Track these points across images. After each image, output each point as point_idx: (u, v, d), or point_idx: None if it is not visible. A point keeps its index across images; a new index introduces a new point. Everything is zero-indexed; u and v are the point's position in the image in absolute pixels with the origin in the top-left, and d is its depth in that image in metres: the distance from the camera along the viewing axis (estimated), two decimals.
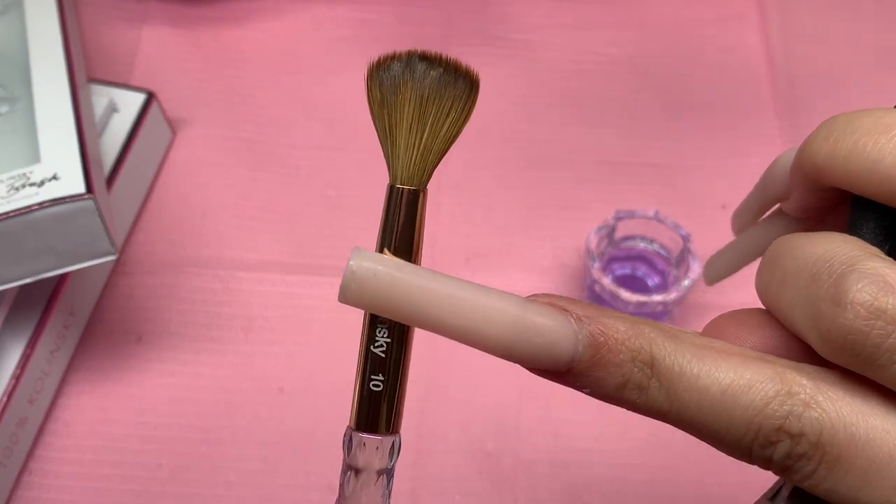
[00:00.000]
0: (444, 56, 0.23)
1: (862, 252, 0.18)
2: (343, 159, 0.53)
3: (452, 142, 0.23)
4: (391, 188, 0.23)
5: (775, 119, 0.55)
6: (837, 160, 0.20)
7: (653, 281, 0.47)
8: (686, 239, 0.45)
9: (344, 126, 0.55)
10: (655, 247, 0.47)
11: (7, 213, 0.38)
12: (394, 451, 0.23)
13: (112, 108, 0.50)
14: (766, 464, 0.19)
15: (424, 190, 0.23)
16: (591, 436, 0.44)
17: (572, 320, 0.20)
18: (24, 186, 0.39)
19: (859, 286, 0.18)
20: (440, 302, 0.20)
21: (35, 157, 0.41)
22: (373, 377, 0.22)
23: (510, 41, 0.59)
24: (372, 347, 0.22)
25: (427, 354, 0.46)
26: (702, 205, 0.52)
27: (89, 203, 0.38)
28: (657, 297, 0.43)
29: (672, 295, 0.43)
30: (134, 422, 0.44)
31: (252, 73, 0.57)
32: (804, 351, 0.20)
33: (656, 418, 0.20)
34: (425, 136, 0.23)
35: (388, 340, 0.22)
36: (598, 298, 0.45)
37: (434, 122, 0.23)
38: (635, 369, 0.19)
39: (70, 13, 0.50)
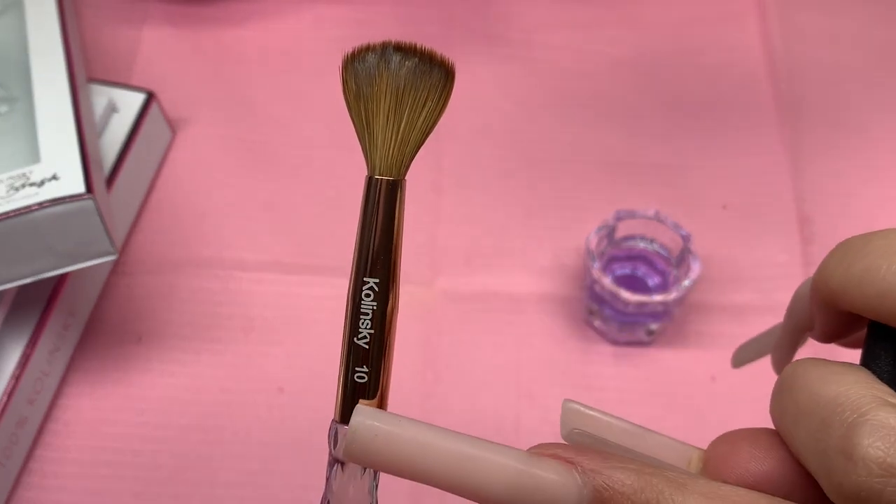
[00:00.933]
0: (418, 46, 0.23)
1: (873, 399, 0.18)
2: (343, 159, 0.53)
3: (429, 131, 0.23)
4: (370, 179, 0.23)
5: (775, 119, 0.55)
6: (852, 284, 0.20)
7: (653, 281, 0.47)
8: (686, 239, 0.45)
9: (344, 126, 0.54)
10: (656, 247, 0.47)
11: (7, 213, 0.38)
12: None
13: (112, 108, 0.50)
14: None
15: (403, 180, 0.23)
16: None
17: (577, 474, 0.20)
18: (23, 186, 0.39)
19: (870, 440, 0.17)
20: (441, 460, 0.20)
21: (35, 157, 0.41)
22: (357, 369, 0.23)
23: (510, 41, 0.59)
24: (355, 339, 0.23)
25: (427, 355, 0.46)
26: (702, 205, 0.52)
27: (89, 203, 0.38)
28: (657, 297, 0.43)
29: (672, 295, 0.43)
30: (134, 422, 0.44)
31: (252, 73, 0.57)
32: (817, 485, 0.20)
33: None
34: (402, 126, 0.23)
35: (372, 332, 0.22)
36: (598, 298, 0.45)
37: (411, 112, 0.23)
38: None
39: (70, 13, 0.50)
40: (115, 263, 0.49)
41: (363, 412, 0.20)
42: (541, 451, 0.21)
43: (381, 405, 0.23)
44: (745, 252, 0.50)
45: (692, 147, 0.54)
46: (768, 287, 0.49)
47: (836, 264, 0.20)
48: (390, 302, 0.23)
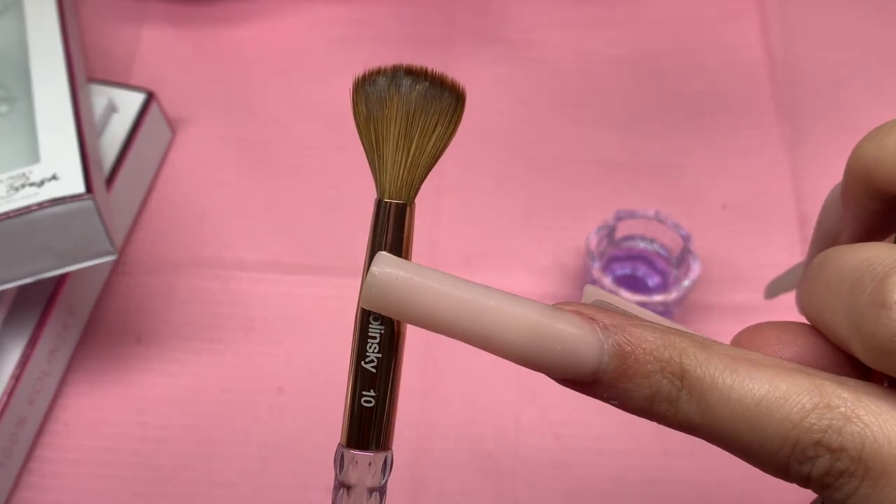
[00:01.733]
0: (429, 70, 0.23)
1: None
2: (343, 159, 0.53)
3: (439, 156, 0.23)
4: (379, 202, 0.23)
5: (775, 119, 0.55)
6: (886, 155, 0.19)
7: (653, 281, 0.47)
8: (686, 239, 0.45)
9: (344, 126, 0.54)
10: (656, 247, 0.47)
11: (7, 213, 0.38)
12: (386, 467, 0.23)
13: (112, 108, 0.50)
14: (804, 481, 0.18)
15: (412, 204, 0.23)
16: (591, 436, 0.44)
17: (598, 329, 0.19)
18: (23, 186, 0.39)
19: None
20: (460, 307, 0.20)
21: (35, 157, 0.41)
22: (364, 393, 0.22)
23: (510, 41, 0.59)
24: (363, 363, 0.22)
25: (427, 355, 0.46)
26: (702, 205, 0.52)
27: (89, 203, 0.38)
28: (657, 298, 0.43)
29: (672, 295, 0.43)
30: (134, 422, 0.44)
31: (252, 73, 0.57)
32: (848, 365, 0.20)
33: (687, 432, 0.19)
34: (412, 150, 0.23)
35: (380, 356, 0.22)
36: None
37: (420, 136, 0.23)
38: (664, 381, 0.19)
39: (70, 13, 0.50)
40: (115, 263, 0.49)
41: (384, 259, 0.20)
42: (562, 306, 0.20)
43: (389, 430, 0.23)
44: (745, 252, 0.50)
45: (692, 147, 0.54)
46: None
47: (870, 141, 0.20)
48: (398, 326, 0.22)
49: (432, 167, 0.23)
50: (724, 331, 0.47)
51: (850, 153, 0.21)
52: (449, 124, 0.23)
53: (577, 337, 0.19)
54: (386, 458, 0.23)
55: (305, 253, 0.49)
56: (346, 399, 0.23)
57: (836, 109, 0.55)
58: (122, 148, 0.48)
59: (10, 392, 0.41)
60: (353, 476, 0.22)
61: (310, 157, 0.53)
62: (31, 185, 0.39)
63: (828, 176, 0.53)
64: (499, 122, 0.55)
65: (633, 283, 0.47)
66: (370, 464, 0.22)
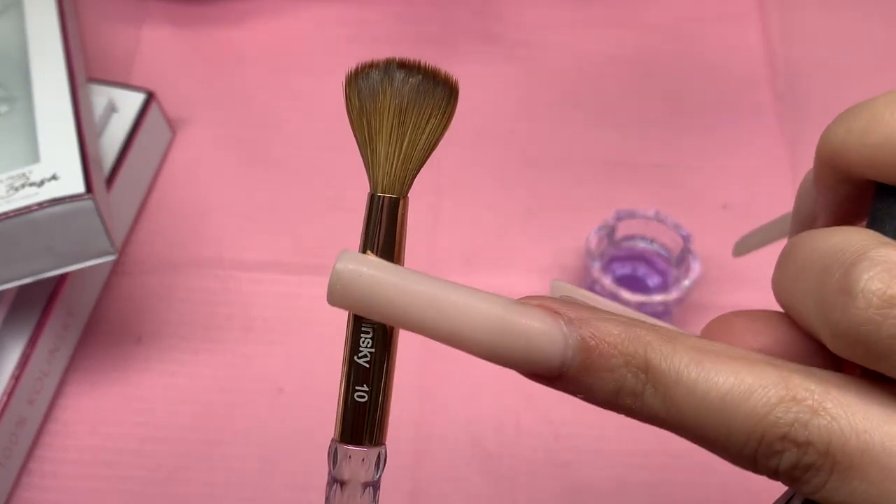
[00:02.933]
0: (422, 63, 0.23)
1: (874, 240, 0.17)
2: (343, 159, 0.53)
3: (432, 150, 0.23)
4: (371, 196, 0.23)
5: (775, 119, 0.55)
6: (853, 137, 0.19)
7: (653, 281, 0.47)
8: (686, 239, 0.45)
9: (344, 126, 0.54)
10: (656, 247, 0.47)
11: (7, 213, 0.38)
12: (380, 462, 0.23)
13: (112, 108, 0.50)
14: (772, 474, 0.18)
15: (405, 198, 0.23)
16: (591, 436, 0.44)
17: (562, 323, 0.19)
18: (23, 186, 0.39)
19: (871, 274, 0.17)
20: (423, 303, 0.20)
21: (35, 157, 0.41)
22: (357, 388, 0.22)
23: (510, 41, 0.59)
24: (356, 358, 0.22)
25: (426, 355, 0.46)
26: (702, 205, 0.52)
27: (89, 203, 0.38)
28: (657, 297, 0.43)
29: (672, 295, 0.43)
30: (134, 422, 0.44)
31: (252, 73, 0.57)
32: (818, 354, 0.19)
33: (655, 425, 0.19)
34: (405, 144, 0.22)
35: (373, 350, 0.22)
36: None
37: (413, 130, 0.22)
38: (629, 375, 0.18)
39: (70, 13, 0.50)
40: (115, 263, 0.49)
41: (347, 256, 0.21)
42: (527, 300, 0.20)
43: (382, 425, 0.23)
44: None
45: (692, 147, 0.54)
46: (768, 287, 0.48)
47: (838, 125, 0.20)
48: None
49: (425, 161, 0.23)
50: None
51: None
52: (442, 118, 0.23)
53: (541, 331, 0.19)
54: (379, 453, 0.23)
55: (305, 253, 0.49)
56: (340, 394, 0.23)
57: (836, 109, 0.55)
58: (122, 148, 0.48)
59: (10, 392, 0.41)
60: (346, 471, 0.22)
61: (310, 157, 0.53)
62: (31, 184, 0.39)
63: None
64: (499, 122, 0.55)
65: (633, 283, 0.47)
66: (363, 459, 0.22)
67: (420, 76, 0.23)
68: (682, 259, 0.45)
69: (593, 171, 0.53)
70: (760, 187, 0.52)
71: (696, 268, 0.44)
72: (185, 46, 0.58)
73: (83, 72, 0.48)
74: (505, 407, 0.45)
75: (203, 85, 0.56)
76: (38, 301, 0.43)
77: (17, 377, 0.41)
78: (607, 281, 0.44)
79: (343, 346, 0.23)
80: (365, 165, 0.23)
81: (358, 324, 0.22)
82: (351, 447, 0.22)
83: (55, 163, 0.40)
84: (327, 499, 0.23)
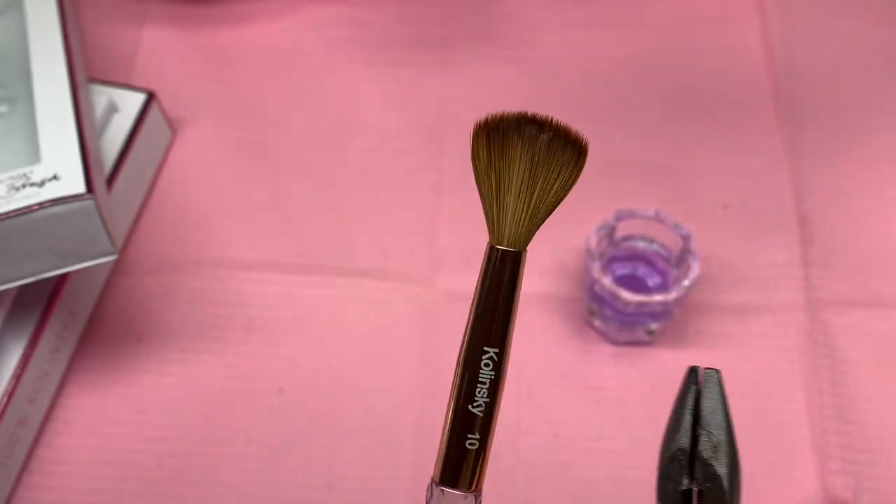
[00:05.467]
0: (553, 120, 0.23)
1: None
2: (343, 159, 0.53)
3: (556, 207, 0.23)
4: (492, 248, 0.23)
5: (775, 119, 0.55)
6: None
7: (653, 281, 0.47)
8: (686, 239, 0.45)
9: (344, 126, 0.55)
10: (656, 247, 0.47)
11: (7, 213, 0.38)
12: None
13: (112, 108, 0.50)
14: None
15: (524, 251, 0.23)
16: (591, 436, 0.44)
17: None
18: (24, 186, 0.39)
19: None
20: None
21: (35, 157, 0.41)
22: (469, 436, 0.23)
23: (511, 41, 0.59)
24: (470, 406, 0.23)
25: (427, 355, 0.46)
26: (702, 205, 0.52)
27: (89, 203, 0.38)
28: (657, 297, 0.43)
29: (672, 295, 0.43)
30: (134, 422, 0.44)
31: (252, 73, 0.57)
32: None
33: None
34: (533, 200, 0.23)
35: (487, 400, 0.23)
36: (598, 298, 0.45)
37: (543, 186, 0.23)
38: None
39: (70, 13, 0.50)
40: (116, 263, 0.49)
41: None
42: None
43: (483, 471, 0.23)
44: (745, 252, 0.50)
45: (692, 147, 0.54)
46: (768, 287, 0.49)
47: None
48: (504, 371, 0.23)
49: (548, 217, 0.23)
50: (724, 331, 0.47)
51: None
52: (570, 177, 0.23)
53: None
54: (477, 498, 0.23)
55: (305, 253, 0.49)
56: (444, 438, 0.23)
57: (836, 109, 0.55)
58: (123, 148, 0.48)
59: (11, 392, 0.41)
60: None
61: (310, 157, 0.53)
62: (32, 185, 0.39)
63: (828, 176, 0.53)
64: None
65: (633, 283, 0.47)
66: (463, 502, 0.23)
67: (551, 133, 0.23)
68: (682, 259, 0.45)
69: (593, 171, 0.53)
70: (760, 187, 0.52)
71: (695, 268, 0.44)
72: (186, 46, 0.58)
73: (84, 72, 0.48)
74: (505, 407, 0.44)
75: (203, 85, 0.56)
76: (39, 301, 0.43)
77: (17, 377, 0.41)
78: (607, 281, 0.44)
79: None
80: (487, 218, 0.23)
81: (475, 374, 0.23)
82: (452, 491, 0.23)
83: (56, 163, 0.40)
84: None
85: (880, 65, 0.58)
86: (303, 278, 0.48)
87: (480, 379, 0.22)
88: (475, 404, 0.23)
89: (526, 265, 0.49)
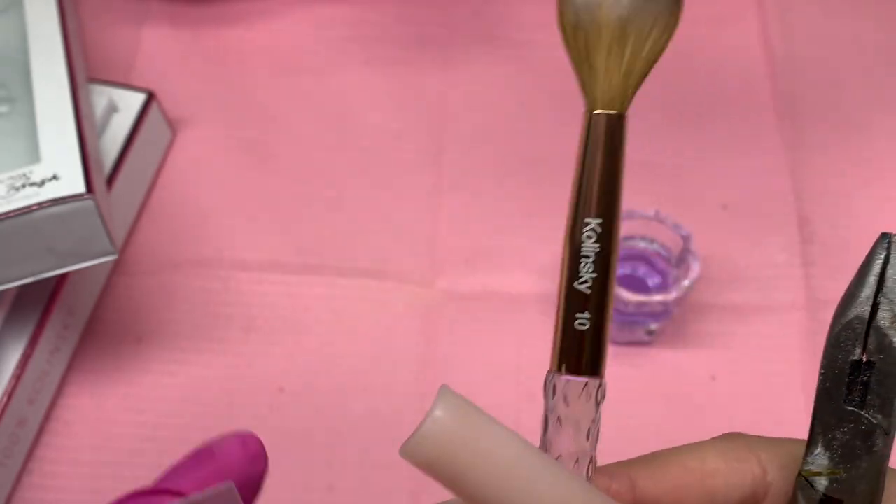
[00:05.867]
0: None
1: None
2: (343, 159, 0.53)
3: (655, 61, 0.21)
4: (589, 115, 0.21)
5: (775, 119, 0.55)
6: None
7: (653, 281, 0.47)
8: (686, 239, 0.45)
9: (344, 126, 0.54)
10: (655, 247, 0.47)
11: (7, 212, 0.38)
12: (600, 394, 0.22)
13: (112, 108, 0.50)
14: None
15: (625, 115, 0.21)
16: None
17: None
18: (24, 186, 0.39)
19: None
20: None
21: (35, 157, 0.41)
22: (578, 315, 0.21)
23: (511, 41, 0.59)
24: (575, 284, 0.21)
25: (427, 355, 0.46)
26: (702, 205, 0.52)
27: (89, 203, 0.38)
28: (657, 297, 0.43)
29: (672, 295, 0.43)
30: (134, 422, 0.44)
31: (252, 73, 0.57)
32: None
33: None
34: (626, 56, 0.21)
35: (595, 275, 0.21)
36: None
37: (636, 41, 0.21)
38: None
39: (70, 13, 0.50)
40: (116, 263, 0.49)
41: (447, 399, 0.19)
42: None
43: (602, 355, 0.21)
44: (745, 252, 0.50)
45: (692, 147, 0.54)
46: (768, 287, 0.49)
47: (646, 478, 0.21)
48: (613, 243, 0.21)
49: (647, 74, 0.21)
50: (724, 331, 0.47)
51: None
52: (665, 27, 0.21)
53: None
54: (601, 384, 0.21)
55: (305, 253, 0.49)
56: (557, 323, 0.21)
57: (836, 109, 0.55)
58: (123, 148, 0.48)
59: (11, 392, 0.41)
60: (565, 404, 0.21)
61: (310, 157, 0.53)
62: (32, 184, 0.39)
63: (828, 176, 0.53)
64: (499, 121, 0.55)
65: (633, 283, 0.47)
66: (584, 389, 0.21)
67: None
68: (682, 259, 0.45)
69: None
70: (760, 187, 0.52)
71: (695, 268, 0.44)
72: (185, 46, 0.58)
73: (84, 72, 0.48)
74: (505, 407, 0.44)
75: (203, 85, 0.56)
76: (39, 301, 0.43)
77: (17, 377, 0.41)
78: None
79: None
80: (580, 82, 0.22)
81: (577, 248, 0.22)
82: (571, 377, 0.21)
83: (56, 163, 0.40)
84: (545, 432, 0.22)
85: (880, 65, 0.58)
86: (303, 278, 0.48)
87: (584, 252, 0.21)
88: (580, 280, 0.21)
89: (526, 265, 0.49)
